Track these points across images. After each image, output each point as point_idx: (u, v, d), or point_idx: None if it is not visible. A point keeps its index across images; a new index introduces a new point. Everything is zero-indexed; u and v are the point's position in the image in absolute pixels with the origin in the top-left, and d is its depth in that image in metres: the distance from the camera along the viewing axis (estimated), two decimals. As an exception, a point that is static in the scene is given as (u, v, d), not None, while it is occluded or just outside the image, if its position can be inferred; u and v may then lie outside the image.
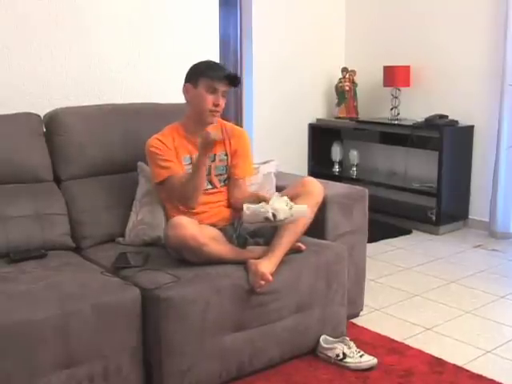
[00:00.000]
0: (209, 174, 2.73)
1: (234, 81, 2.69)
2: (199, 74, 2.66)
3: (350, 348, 2.62)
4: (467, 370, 2.58)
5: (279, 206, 2.40)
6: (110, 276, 2.38)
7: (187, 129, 2.75)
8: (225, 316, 2.36)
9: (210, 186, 2.74)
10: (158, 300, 2.22)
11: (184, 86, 2.72)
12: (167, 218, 2.72)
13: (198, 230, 2.44)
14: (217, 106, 2.67)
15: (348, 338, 2.68)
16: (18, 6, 3.04)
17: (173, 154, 2.69)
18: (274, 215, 2.38)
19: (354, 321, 3.06)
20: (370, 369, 2.57)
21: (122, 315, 2.20)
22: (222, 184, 2.79)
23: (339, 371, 2.56)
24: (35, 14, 3.09)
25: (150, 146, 2.70)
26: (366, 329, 2.98)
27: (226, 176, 2.80)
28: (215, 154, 2.76)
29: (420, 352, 2.75)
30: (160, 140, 2.70)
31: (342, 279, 2.75)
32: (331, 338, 2.68)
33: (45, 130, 2.90)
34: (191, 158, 2.71)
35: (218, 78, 2.63)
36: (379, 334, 2.92)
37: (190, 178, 2.59)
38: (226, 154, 2.80)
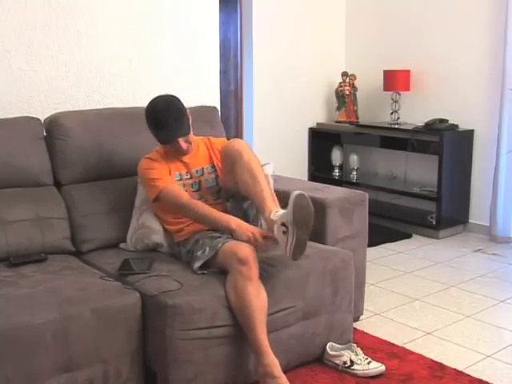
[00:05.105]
0: (198, 189, 2.71)
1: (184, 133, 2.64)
2: (153, 133, 2.67)
3: (357, 355, 2.60)
4: (467, 375, 2.58)
5: None
6: (109, 280, 2.38)
7: (170, 150, 2.71)
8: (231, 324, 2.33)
9: (202, 200, 2.69)
10: (165, 307, 2.20)
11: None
12: (163, 226, 2.73)
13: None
14: (180, 150, 2.66)
15: (355, 345, 2.65)
16: (18, 9, 3.04)
17: (166, 170, 2.69)
18: None
19: (354, 325, 3.04)
20: (370, 373, 2.57)
21: (121, 319, 2.20)
22: (216, 197, 2.74)
23: (339, 376, 2.55)
24: (35, 18, 3.09)
25: (141, 166, 2.71)
26: (367, 333, 2.98)
27: (217, 188, 2.75)
28: (203, 168, 2.75)
29: (420, 356, 2.74)
30: (150, 158, 2.71)
31: (348, 285, 2.73)
32: (338, 345, 2.66)
33: (45, 134, 2.90)
34: (180, 175, 2.71)
35: (167, 142, 2.64)
36: (379, 339, 2.92)
37: (205, 217, 2.56)
38: (214, 166, 2.78)
